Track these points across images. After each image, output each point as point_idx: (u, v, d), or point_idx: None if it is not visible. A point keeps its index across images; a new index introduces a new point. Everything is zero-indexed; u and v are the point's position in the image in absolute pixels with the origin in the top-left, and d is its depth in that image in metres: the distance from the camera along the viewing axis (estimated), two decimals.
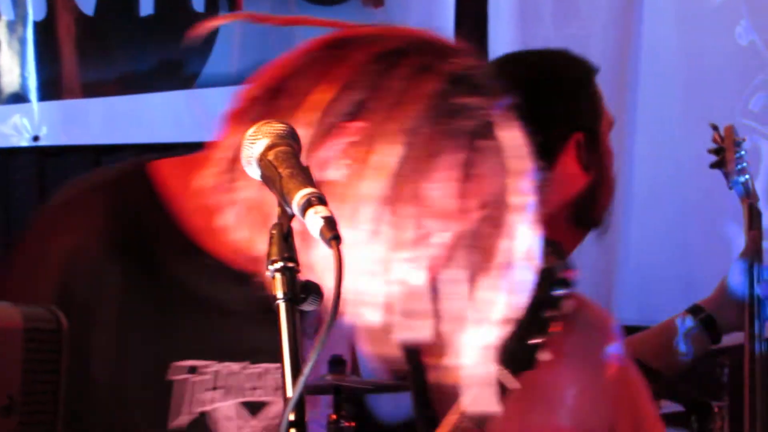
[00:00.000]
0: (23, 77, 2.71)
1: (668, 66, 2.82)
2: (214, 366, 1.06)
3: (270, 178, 0.87)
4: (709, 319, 2.08)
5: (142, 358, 0.99)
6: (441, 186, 0.98)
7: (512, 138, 1.01)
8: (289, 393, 0.80)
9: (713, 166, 2.14)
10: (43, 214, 1.11)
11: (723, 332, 2.08)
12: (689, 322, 2.10)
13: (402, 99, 1.00)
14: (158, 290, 1.07)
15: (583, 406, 1.61)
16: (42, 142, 2.75)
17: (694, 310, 2.09)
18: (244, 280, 0.99)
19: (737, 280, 2.10)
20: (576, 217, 1.70)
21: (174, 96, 2.81)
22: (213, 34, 2.76)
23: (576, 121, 1.69)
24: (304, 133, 0.97)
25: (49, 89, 2.76)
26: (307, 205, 0.80)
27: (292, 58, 1.06)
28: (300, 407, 0.79)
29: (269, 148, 0.89)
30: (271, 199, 0.82)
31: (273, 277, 0.83)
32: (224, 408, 1.06)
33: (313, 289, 0.86)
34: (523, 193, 1.04)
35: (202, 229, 1.02)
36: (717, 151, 2.16)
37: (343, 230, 0.78)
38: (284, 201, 0.84)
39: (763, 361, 2.07)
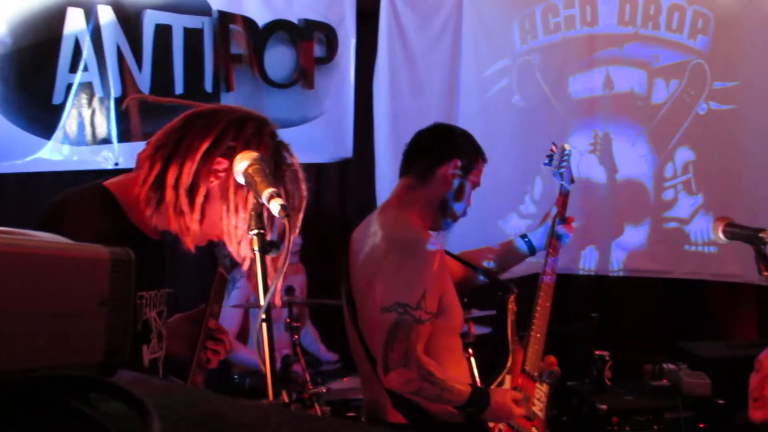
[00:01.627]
0: (108, 129, 3.73)
1: (470, 124, 3.50)
2: (147, 293, 1.50)
3: (249, 183, 1.36)
4: (529, 242, 2.74)
5: None
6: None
7: (297, 168, 1.55)
8: (262, 302, 1.32)
9: (546, 165, 2.83)
10: (52, 212, 1.47)
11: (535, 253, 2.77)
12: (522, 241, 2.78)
13: (253, 143, 1.48)
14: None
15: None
16: (120, 167, 3.71)
17: (523, 236, 2.80)
18: (161, 244, 1.53)
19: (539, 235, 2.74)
20: (441, 209, 2.38)
21: None
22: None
23: (454, 154, 2.37)
24: (190, 167, 1.45)
25: (124, 135, 3.76)
26: (270, 197, 1.30)
27: (175, 122, 1.51)
28: (268, 311, 1.34)
29: (249, 166, 1.38)
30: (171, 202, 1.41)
31: (252, 238, 1.38)
32: (151, 316, 1.53)
33: (274, 245, 1.41)
34: (303, 199, 1.56)
35: (138, 218, 1.46)
36: (550, 157, 2.82)
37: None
38: (258, 195, 1.34)
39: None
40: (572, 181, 2.85)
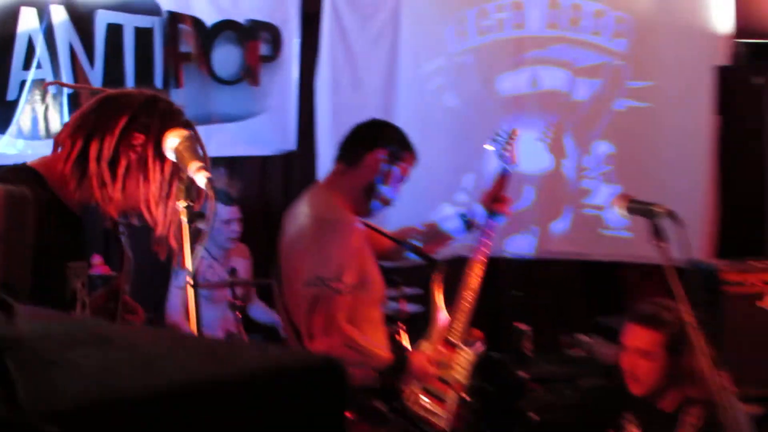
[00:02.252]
0: (62, 123, 3.82)
1: (407, 120, 3.71)
2: (73, 264, 1.61)
3: (179, 158, 1.50)
4: (466, 219, 2.88)
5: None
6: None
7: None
8: (189, 267, 1.48)
9: (491, 143, 2.97)
10: None
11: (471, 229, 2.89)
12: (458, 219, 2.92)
13: (166, 127, 1.60)
14: (53, 217, 1.58)
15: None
16: None
17: (462, 215, 2.92)
18: (82, 219, 1.64)
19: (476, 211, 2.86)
20: (365, 192, 2.53)
21: None
22: None
23: (383, 143, 2.54)
24: (110, 142, 1.58)
25: None
26: (197, 170, 1.45)
27: (91, 104, 1.65)
28: (195, 274, 1.49)
29: (180, 143, 1.52)
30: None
31: (182, 210, 1.49)
32: (78, 286, 1.63)
33: (200, 215, 1.52)
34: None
35: (62, 193, 1.57)
36: (496, 138, 2.98)
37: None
38: (186, 169, 1.47)
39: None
40: (514, 164, 2.99)
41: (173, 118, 1.69)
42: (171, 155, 1.56)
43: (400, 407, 2.61)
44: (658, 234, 2.23)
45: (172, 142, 1.56)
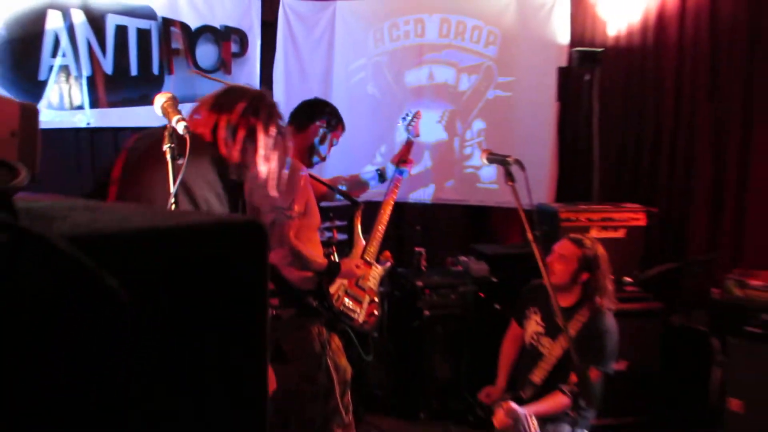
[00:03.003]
0: (82, 98, 4.39)
1: (339, 102, 3.46)
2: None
3: (164, 112, 1.68)
4: (381, 173, 3.18)
5: None
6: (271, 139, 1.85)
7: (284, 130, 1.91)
8: (172, 190, 1.54)
9: (402, 120, 3.27)
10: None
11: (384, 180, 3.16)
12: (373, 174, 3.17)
13: (271, 115, 1.85)
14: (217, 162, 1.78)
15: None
16: (90, 126, 4.42)
17: (377, 170, 3.20)
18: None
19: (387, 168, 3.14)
20: (309, 150, 2.84)
21: (144, 108, 4.25)
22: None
23: (322, 116, 2.82)
24: (234, 117, 1.75)
25: (94, 104, 4.42)
26: (177, 121, 1.63)
27: (220, 90, 1.90)
28: (176, 197, 1.52)
29: (165, 102, 1.71)
30: None
31: (167, 150, 1.57)
32: None
33: (180, 153, 1.58)
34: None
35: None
36: (405, 117, 3.29)
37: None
38: (170, 120, 1.62)
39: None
40: (417, 135, 3.39)
41: (273, 108, 1.96)
42: (158, 111, 1.69)
43: (328, 305, 2.82)
44: (509, 177, 2.47)
45: (160, 100, 1.69)
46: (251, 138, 1.88)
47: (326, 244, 3.26)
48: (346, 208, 3.31)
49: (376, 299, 3.05)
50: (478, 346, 4.24)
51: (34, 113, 0.91)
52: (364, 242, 3.09)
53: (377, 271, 3.11)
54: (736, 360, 3.85)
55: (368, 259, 3.08)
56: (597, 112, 4.68)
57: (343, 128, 2.89)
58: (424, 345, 4.31)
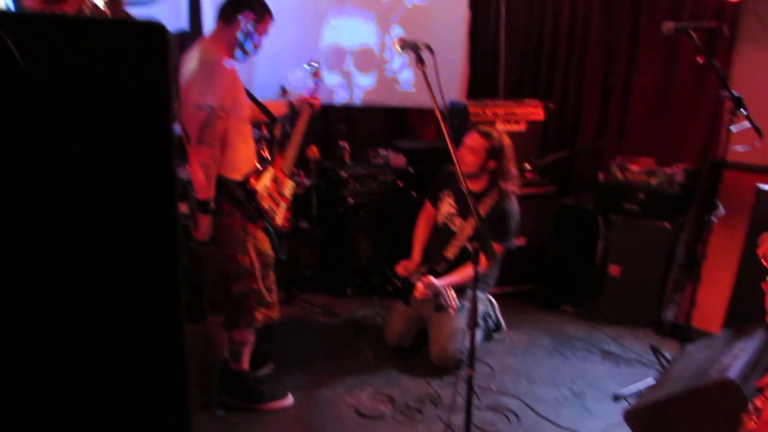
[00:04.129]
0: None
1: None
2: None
3: (108, 4, 1.84)
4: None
5: None
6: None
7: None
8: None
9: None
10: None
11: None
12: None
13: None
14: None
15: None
16: None
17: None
18: None
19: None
20: (238, 43, 2.75)
21: None
22: None
23: (250, 7, 2.71)
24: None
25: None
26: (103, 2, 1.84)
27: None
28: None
29: None
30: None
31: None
32: None
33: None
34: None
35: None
36: (311, 66, 3.22)
37: None
38: (112, 8, 1.85)
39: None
40: (315, 92, 3.30)
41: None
42: (100, 3, 1.76)
43: (254, 201, 2.86)
44: (420, 61, 2.41)
45: None
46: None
47: (256, 140, 3.18)
48: (271, 120, 3.33)
49: (290, 208, 3.13)
50: (397, 228, 4.51)
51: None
52: (278, 154, 3.15)
53: (290, 184, 3.17)
54: (616, 233, 4.42)
55: (285, 171, 3.13)
56: (504, 19, 5.00)
57: (271, 17, 2.80)
58: (349, 229, 4.55)
